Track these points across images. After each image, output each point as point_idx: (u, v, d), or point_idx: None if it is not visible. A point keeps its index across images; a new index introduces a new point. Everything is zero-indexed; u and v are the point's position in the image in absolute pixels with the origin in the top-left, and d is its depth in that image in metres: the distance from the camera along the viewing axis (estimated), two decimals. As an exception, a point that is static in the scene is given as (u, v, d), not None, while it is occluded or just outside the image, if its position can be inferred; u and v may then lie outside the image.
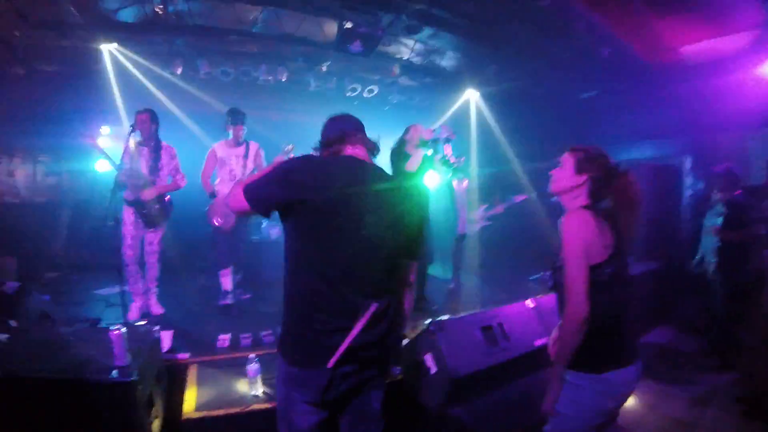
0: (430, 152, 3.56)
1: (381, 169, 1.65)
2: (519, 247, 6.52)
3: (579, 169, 1.70)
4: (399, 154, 3.52)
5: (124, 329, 1.98)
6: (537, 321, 2.61)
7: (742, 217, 3.59)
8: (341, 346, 1.46)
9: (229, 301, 4.11)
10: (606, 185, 1.67)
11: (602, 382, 1.57)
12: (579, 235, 1.56)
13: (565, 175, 1.73)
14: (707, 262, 4.01)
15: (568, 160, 1.74)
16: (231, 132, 4.06)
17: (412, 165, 3.29)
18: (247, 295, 4.34)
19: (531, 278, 1.85)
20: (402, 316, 1.67)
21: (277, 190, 1.48)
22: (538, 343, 2.45)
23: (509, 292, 4.44)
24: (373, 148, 1.71)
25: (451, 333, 2.31)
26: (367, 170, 1.59)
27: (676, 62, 4.60)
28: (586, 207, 1.66)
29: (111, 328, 2.00)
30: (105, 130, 5.84)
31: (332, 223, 1.47)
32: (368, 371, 1.58)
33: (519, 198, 7.13)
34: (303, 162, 1.53)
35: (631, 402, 3.00)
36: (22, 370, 1.95)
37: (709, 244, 3.99)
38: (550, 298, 2.94)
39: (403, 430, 2.53)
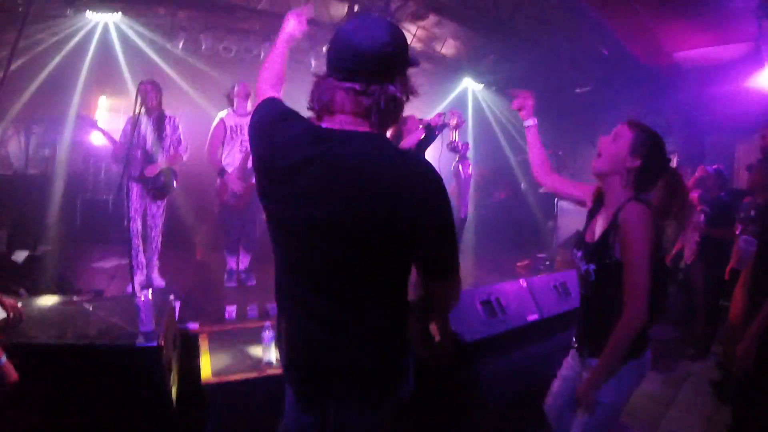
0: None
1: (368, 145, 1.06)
2: (508, 234, 6.72)
3: (635, 151, 1.50)
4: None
5: (150, 296, 2.07)
6: (530, 298, 2.80)
7: (724, 216, 3.80)
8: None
9: (233, 283, 4.14)
10: (655, 178, 1.51)
11: (641, 365, 1.59)
12: (647, 235, 1.42)
13: (617, 152, 1.52)
14: (687, 257, 4.24)
15: (624, 135, 1.53)
16: (236, 101, 3.97)
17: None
18: (253, 282, 4.20)
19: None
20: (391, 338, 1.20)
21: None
22: (531, 318, 2.65)
23: (501, 274, 4.64)
24: (369, 111, 1.06)
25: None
26: (326, 144, 1.06)
27: (672, 66, 4.77)
28: (637, 198, 1.50)
29: (137, 294, 2.08)
30: (102, 101, 5.80)
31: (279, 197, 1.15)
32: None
33: (501, 195, 7.35)
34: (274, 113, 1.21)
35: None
36: (43, 338, 1.97)
37: (688, 240, 4.22)
38: (540, 279, 3.12)
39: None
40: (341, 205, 1.04)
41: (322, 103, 1.09)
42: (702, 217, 3.92)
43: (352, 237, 1.06)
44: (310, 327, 1.19)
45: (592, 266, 1.56)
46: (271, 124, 1.17)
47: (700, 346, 3.93)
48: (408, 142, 3.16)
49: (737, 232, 3.61)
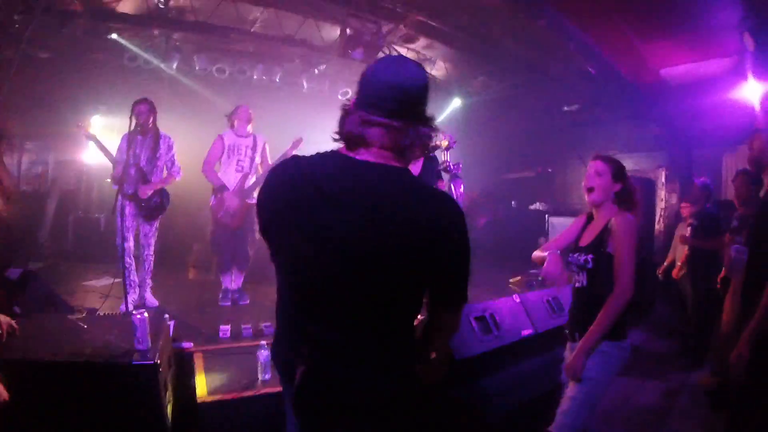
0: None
1: (394, 178, 1.10)
2: (500, 252, 6.75)
3: (616, 179, 1.96)
4: None
5: (146, 314, 2.07)
6: (524, 314, 2.82)
7: (712, 228, 3.87)
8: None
9: (227, 303, 4.13)
10: (630, 191, 1.96)
11: (624, 347, 1.91)
12: (634, 233, 1.85)
13: (605, 183, 1.96)
14: (676, 269, 4.30)
15: (604, 170, 1.97)
16: (236, 122, 4.06)
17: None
18: (246, 301, 4.19)
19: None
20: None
21: (258, 210, 1.24)
22: (525, 333, 2.66)
23: (494, 291, 4.65)
24: (404, 149, 1.12)
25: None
26: (360, 179, 1.08)
27: (659, 82, 4.91)
28: (622, 210, 1.93)
29: (133, 312, 2.08)
30: (96, 120, 5.81)
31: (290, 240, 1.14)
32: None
33: (481, 221, 7.40)
34: (277, 174, 1.20)
35: (607, 393, 3.29)
36: (38, 355, 1.96)
37: (679, 253, 4.30)
38: (533, 295, 3.16)
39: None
40: (375, 239, 1.05)
41: (354, 136, 1.12)
42: (689, 229, 3.99)
43: (381, 268, 1.07)
44: (323, 359, 1.16)
45: (591, 256, 1.94)
46: (284, 169, 1.18)
47: (693, 356, 3.96)
48: (413, 171, 3.25)
49: (726, 241, 3.69)
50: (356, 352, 1.16)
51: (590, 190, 1.99)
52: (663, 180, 5.72)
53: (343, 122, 1.15)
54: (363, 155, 1.12)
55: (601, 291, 1.87)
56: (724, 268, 3.60)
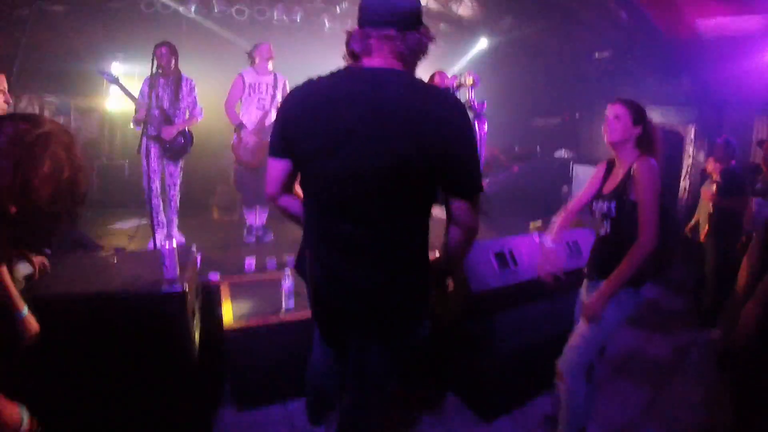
0: None
1: (398, 81, 1.22)
2: (521, 199, 6.66)
3: (636, 122, 1.94)
4: None
5: (174, 244, 2.14)
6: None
7: (736, 187, 3.77)
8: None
9: (252, 239, 4.27)
10: (650, 136, 1.94)
11: (638, 294, 1.95)
12: (655, 179, 1.81)
13: (622, 126, 1.94)
14: (701, 227, 4.23)
15: (623, 112, 1.94)
16: (257, 60, 4.04)
17: None
18: (270, 237, 4.32)
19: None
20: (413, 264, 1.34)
21: (275, 130, 1.36)
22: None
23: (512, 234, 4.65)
24: (403, 54, 1.25)
25: (469, 254, 2.48)
26: (366, 83, 1.22)
27: (693, 36, 4.65)
28: (643, 155, 1.89)
29: (160, 245, 2.14)
30: (116, 66, 5.80)
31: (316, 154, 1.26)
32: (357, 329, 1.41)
33: (515, 169, 7.25)
34: (293, 94, 1.32)
35: (618, 344, 3.32)
36: (69, 290, 2.01)
37: (703, 212, 4.21)
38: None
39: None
40: (383, 132, 1.18)
41: (360, 48, 1.27)
42: (714, 186, 3.90)
43: (391, 160, 1.19)
44: (337, 266, 1.32)
45: (614, 203, 1.94)
46: (300, 87, 1.31)
47: (705, 315, 3.97)
48: None
49: (750, 203, 3.60)
50: (368, 248, 1.29)
51: (609, 132, 1.98)
52: (692, 136, 5.53)
53: (348, 42, 1.31)
54: (366, 63, 1.27)
55: (625, 239, 1.86)
56: (744, 228, 3.55)
